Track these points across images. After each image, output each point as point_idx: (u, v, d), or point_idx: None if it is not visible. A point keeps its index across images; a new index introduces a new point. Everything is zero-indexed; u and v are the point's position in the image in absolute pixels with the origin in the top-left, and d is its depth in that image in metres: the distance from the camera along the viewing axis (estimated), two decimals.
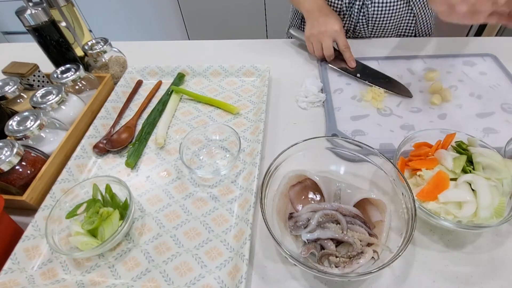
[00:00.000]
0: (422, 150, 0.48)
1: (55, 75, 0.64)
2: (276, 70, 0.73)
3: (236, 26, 1.82)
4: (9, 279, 0.41)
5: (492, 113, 0.59)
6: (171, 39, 1.40)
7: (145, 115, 0.65)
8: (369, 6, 0.75)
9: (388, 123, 0.59)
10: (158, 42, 0.89)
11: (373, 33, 0.82)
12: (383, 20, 0.78)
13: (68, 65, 0.65)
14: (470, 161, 0.46)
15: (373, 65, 0.72)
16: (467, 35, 1.64)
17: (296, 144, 0.47)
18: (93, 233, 0.45)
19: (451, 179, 0.44)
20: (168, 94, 0.68)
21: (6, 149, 0.48)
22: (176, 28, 1.87)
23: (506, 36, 0.86)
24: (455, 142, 0.48)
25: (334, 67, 0.72)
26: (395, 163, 0.45)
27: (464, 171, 0.44)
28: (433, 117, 0.60)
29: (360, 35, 0.82)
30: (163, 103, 0.67)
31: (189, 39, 1.91)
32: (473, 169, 0.45)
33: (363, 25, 0.79)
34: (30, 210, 0.49)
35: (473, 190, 0.42)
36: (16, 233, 0.46)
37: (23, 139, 0.52)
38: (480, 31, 1.60)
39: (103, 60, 0.72)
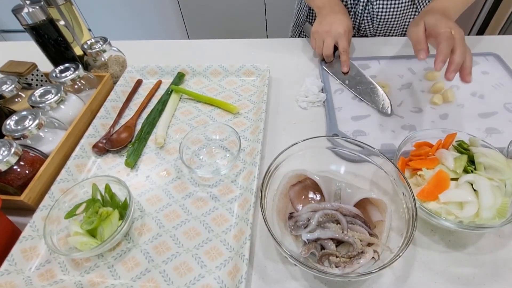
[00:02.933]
0: (423, 150, 0.48)
1: (54, 74, 0.63)
2: (276, 69, 0.73)
3: (236, 25, 1.81)
4: (5, 281, 0.41)
5: (495, 113, 0.59)
6: (170, 38, 1.40)
7: (144, 114, 0.65)
8: (374, 4, 0.75)
9: (389, 123, 0.59)
10: (157, 41, 0.88)
11: (378, 31, 0.82)
12: (388, 18, 0.78)
13: (67, 64, 0.65)
14: (471, 161, 0.45)
15: (374, 64, 0.72)
16: (469, 34, 1.63)
17: (296, 143, 0.47)
18: (92, 233, 0.44)
19: (452, 179, 0.44)
20: (168, 93, 0.68)
21: (3, 148, 0.48)
22: (176, 27, 1.86)
23: (510, 34, 0.86)
24: (456, 141, 0.48)
25: (326, 69, 0.71)
26: (396, 163, 0.45)
27: (466, 171, 0.44)
28: (435, 117, 0.59)
29: (365, 33, 0.82)
30: (162, 102, 0.66)
31: (189, 38, 1.90)
32: (475, 169, 0.44)
33: (368, 23, 0.79)
34: (28, 210, 0.49)
35: (475, 190, 0.41)
36: (14, 234, 0.45)
37: (21, 138, 0.52)
38: (482, 29, 1.59)
39: (103, 59, 0.72)
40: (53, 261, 0.44)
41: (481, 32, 1.61)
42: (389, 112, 0.60)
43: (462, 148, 0.47)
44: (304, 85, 0.67)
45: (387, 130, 0.58)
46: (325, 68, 0.72)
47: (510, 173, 0.42)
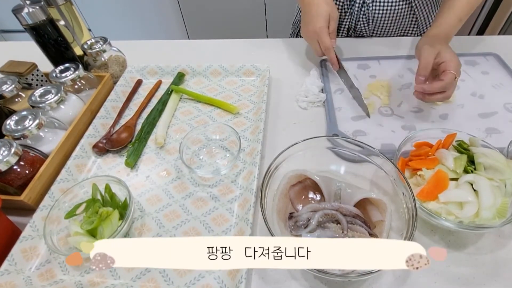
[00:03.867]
0: (422, 150, 0.48)
1: (54, 74, 0.63)
2: (276, 70, 0.73)
3: (236, 25, 1.81)
4: (5, 281, 0.41)
5: (494, 113, 0.59)
6: (170, 38, 1.40)
7: (144, 114, 0.65)
8: (370, 5, 0.75)
9: (389, 123, 0.59)
10: (157, 41, 0.88)
11: (374, 32, 0.81)
12: (384, 20, 0.78)
13: (67, 64, 0.65)
14: (471, 161, 0.45)
15: (373, 64, 0.72)
16: (469, 34, 1.63)
17: (296, 143, 0.47)
18: (92, 233, 0.44)
19: (452, 179, 0.44)
20: (168, 93, 0.68)
21: (3, 148, 0.48)
22: (176, 27, 1.86)
23: (510, 34, 0.86)
24: (456, 141, 0.48)
25: (327, 68, 0.71)
26: (396, 163, 0.45)
27: (466, 171, 0.44)
28: (435, 117, 0.59)
29: (361, 33, 0.82)
30: (162, 102, 0.66)
31: (189, 39, 1.90)
32: (475, 169, 0.44)
33: (364, 24, 0.79)
34: (28, 210, 0.49)
35: (475, 190, 0.41)
36: (14, 234, 0.45)
37: (22, 138, 0.52)
38: (482, 29, 1.59)
39: (103, 59, 0.72)
40: (53, 261, 0.44)
41: (481, 32, 1.61)
42: (369, 117, 0.60)
43: (462, 148, 0.47)
44: (304, 85, 0.67)
45: (387, 130, 0.58)
46: (327, 65, 0.72)
47: (510, 173, 0.42)
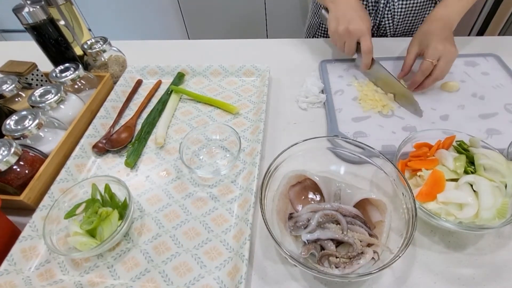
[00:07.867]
0: (421, 151, 0.48)
1: (54, 74, 0.63)
2: (276, 70, 0.73)
3: (236, 25, 1.81)
4: (5, 281, 0.41)
5: (495, 113, 0.59)
6: (171, 38, 1.40)
7: (144, 114, 0.65)
8: (396, 1, 0.76)
9: (390, 124, 0.59)
10: (158, 41, 0.88)
11: (398, 29, 0.83)
12: (408, 17, 0.79)
13: (67, 64, 0.65)
14: (471, 162, 0.45)
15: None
16: (469, 35, 1.63)
17: (296, 144, 0.47)
18: (91, 233, 0.44)
19: (452, 180, 0.44)
20: (168, 93, 0.68)
21: (3, 148, 0.48)
22: (176, 27, 1.86)
23: (510, 35, 0.86)
24: (456, 142, 0.48)
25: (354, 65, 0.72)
26: (395, 164, 0.45)
27: (466, 172, 0.44)
28: (435, 118, 0.59)
29: (384, 32, 0.83)
30: (162, 102, 0.66)
31: (189, 39, 1.90)
32: (475, 170, 0.44)
33: (388, 20, 0.80)
34: (27, 210, 0.49)
35: (474, 191, 0.41)
36: (13, 234, 0.45)
37: (21, 138, 0.52)
38: (482, 30, 1.59)
39: (103, 59, 0.72)
40: (52, 261, 0.44)
41: (481, 32, 1.61)
42: (421, 116, 0.59)
43: (462, 149, 0.47)
44: (305, 86, 0.67)
45: (388, 131, 0.57)
46: (327, 66, 0.72)
47: (510, 174, 0.42)
